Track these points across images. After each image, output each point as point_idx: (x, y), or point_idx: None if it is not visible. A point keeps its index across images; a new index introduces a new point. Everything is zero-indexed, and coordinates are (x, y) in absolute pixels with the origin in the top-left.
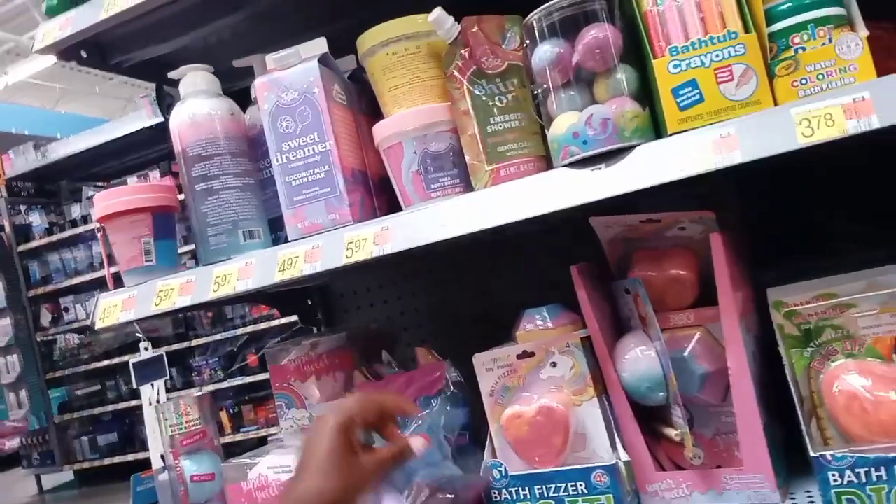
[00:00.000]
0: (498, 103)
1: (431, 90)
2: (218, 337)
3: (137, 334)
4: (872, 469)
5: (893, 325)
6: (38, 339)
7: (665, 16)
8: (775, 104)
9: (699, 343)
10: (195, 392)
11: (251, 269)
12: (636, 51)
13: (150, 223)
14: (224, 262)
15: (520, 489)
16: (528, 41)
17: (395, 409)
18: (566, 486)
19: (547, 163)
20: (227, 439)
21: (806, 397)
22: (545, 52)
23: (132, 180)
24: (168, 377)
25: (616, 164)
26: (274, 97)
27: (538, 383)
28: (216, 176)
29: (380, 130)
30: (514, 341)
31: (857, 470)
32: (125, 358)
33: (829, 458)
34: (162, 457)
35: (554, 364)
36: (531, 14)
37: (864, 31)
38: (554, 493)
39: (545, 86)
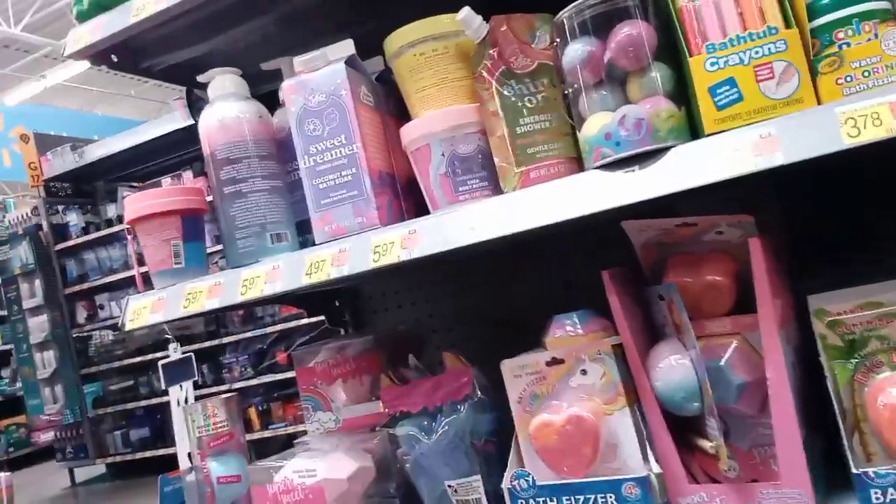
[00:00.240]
0: (527, 104)
1: (459, 91)
2: (248, 334)
3: (167, 335)
4: None
5: None
6: (74, 336)
7: (701, 12)
8: (819, 103)
9: (736, 352)
10: (223, 395)
11: (278, 272)
12: (671, 49)
13: (179, 226)
14: (252, 266)
15: (547, 500)
16: (558, 40)
17: None
18: (595, 498)
19: (578, 165)
20: (256, 436)
21: (849, 411)
22: (576, 50)
23: (166, 181)
24: (196, 378)
25: (650, 166)
26: (301, 100)
27: (568, 391)
28: (244, 179)
29: (407, 132)
30: (542, 347)
31: None
32: (158, 354)
33: (871, 475)
34: (189, 458)
35: (584, 372)
36: (562, 12)
37: None
38: None
39: (576, 85)
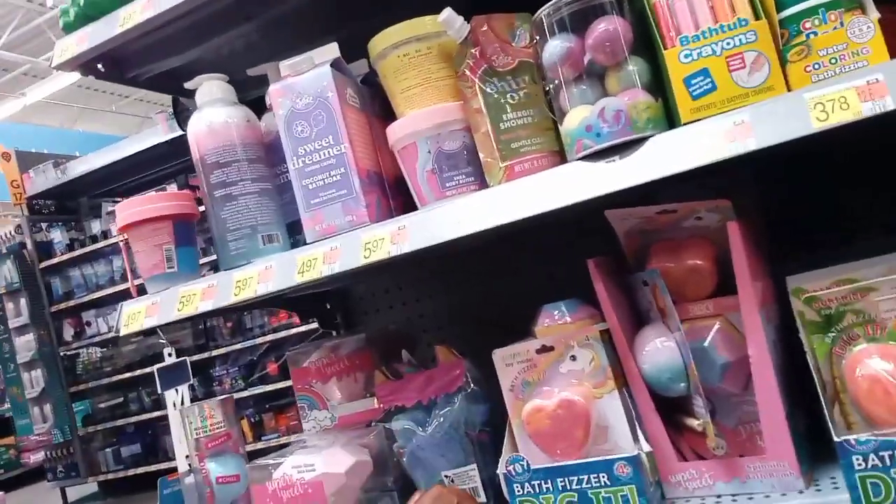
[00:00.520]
0: (510, 100)
1: (443, 90)
2: (238, 346)
3: (161, 340)
4: None
5: None
6: (62, 354)
7: (674, 6)
8: (788, 90)
9: (719, 333)
10: (219, 397)
11: (271, 272)
12: (646, 43)
13: (171, 231)
14: (244, 267)
15: (542, 483)
16: (537, 37)
17: None
18: (589, 479)
19: (561, 157)
20: (249, 448)
21: (828, 383)
22: (555, 47)
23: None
24: (192, 381)
25: (630, 155)
26: (289, 102)
27: (558, 377)
28: (234, 182)
29: (394, 131)
30: (533, 337)
31: (881, 454)
32: (147, 370)
33: (852, 442)
34: (187, 460)
35: (573, 358)
36: (540, 10)
37: (875, 14)
38: (577, 485)
39: (556, 81)
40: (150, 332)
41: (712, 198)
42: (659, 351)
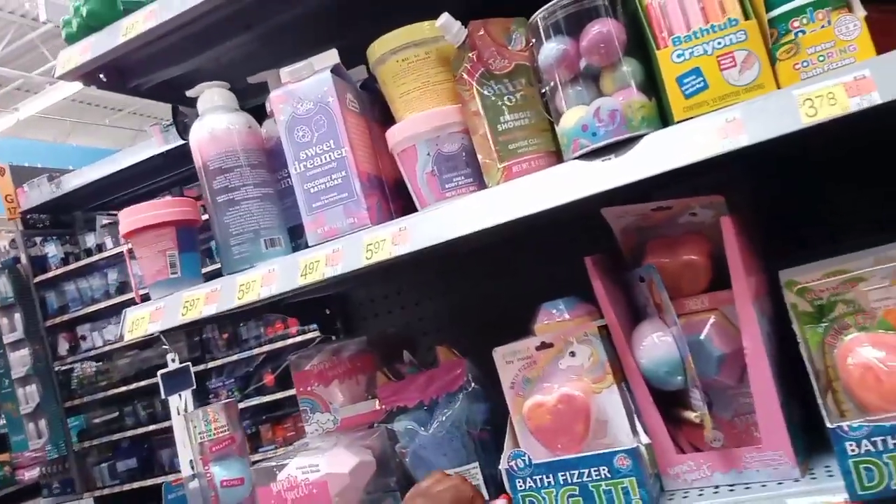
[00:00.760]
0: (507, 102)
1: (442, 93)
2: (234, 358)
3: (164, 346)
4: (889, 437)
5: None
6: (56, 369)
7: (666, 7)
8: (778, 87)
9: (714, 326)
10: (222, 401)
11: (274, 275)
12: (640, 43)
13: (174, 236)
14: (247, 270)
15: (544, 477)
16: (533, 40)
17: None
18: (589, 472)
19: (558, 158)
20: None
21: (821, 372)
22: (551, 49)
23: None
24: (194, 386)
25: (626, 153)
26: (290, 108)
27: (558, 373)
28: (237, 187)
29: (393, 134)
30: (532, 335)
31: (873, 439)
32: (143, 383)
33: (845, 428)
34: (191, 465)
35: (573, 354)
36: (536, 13)
37: (861, 12)
38: (578, 478)
39: (552, 83)
40: (145, 345)
41: (706, 194)
42: (656, 345)
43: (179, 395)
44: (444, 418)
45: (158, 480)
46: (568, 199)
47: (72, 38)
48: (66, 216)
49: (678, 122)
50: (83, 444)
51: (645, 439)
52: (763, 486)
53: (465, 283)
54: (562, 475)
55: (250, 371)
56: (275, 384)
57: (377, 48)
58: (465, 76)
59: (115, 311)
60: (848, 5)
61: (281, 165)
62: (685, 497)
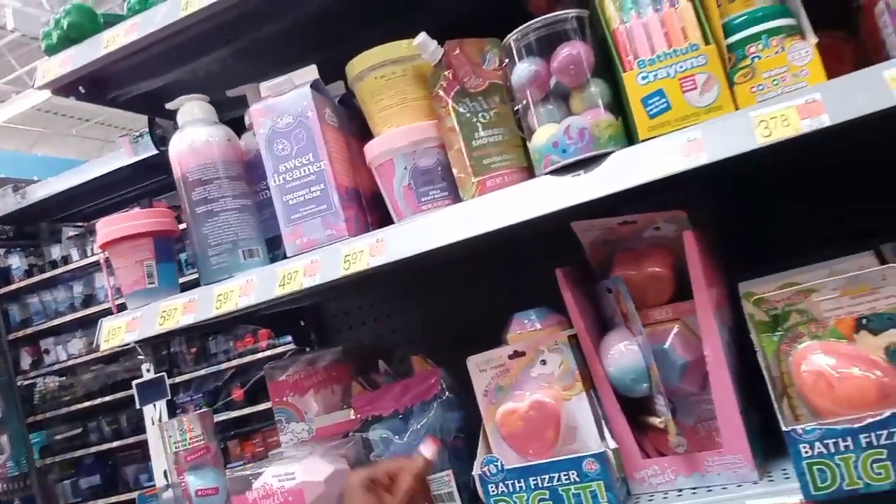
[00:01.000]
0: (481, 119)
1: (418, 110)
2: (202, 372)
3: (139, 356)
4: (840, 440)
5: (853, 306)
6: (19, 383)
7: (632, 32)
8: (736, 109)
9: (678, 336)
10: (198, 411)
11: (252, 285)
12: (607, 66)
13: (152, 247)
14: (225, 281)
15: (515, 482)
16: (507, 60)
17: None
18: (559, 476)
19: (530, 173)
20: None
21: (777, 378)
22: (523, 69)
23: None
24: (168, 397)
25: (594, 169)
26: (269, 122)
27: (529, 381)
28: (216, 199)
29: (371, 148)
30: (505, 344)
31: (826, 441)
32: (108, 398)
33: (799, 431)
34: (165, 475)
35: (544, 362)
36: (509, 35)
37: (813, 39)
38: (548, 483)
39: (525, 101)
40: (110, 360)
41: (670, 210)
42: (623, 354)
43: (154, 406)
44: (418, 426)
45: (122, 498)
46: (539, 213)
47: (52, 50)
48: (31, 227)
49: (643, 141)
50: (45, 461)
51: (612, 444)
52: (724, 488)
53: (438, 296)
54: (533, 480)
55: (219, 385)
56: (244, 399)
57: (356, 65)
58: (441, 93)
59: (80, 325)
60: (801, 32)
61: (259, 178)
62: (650, 500)
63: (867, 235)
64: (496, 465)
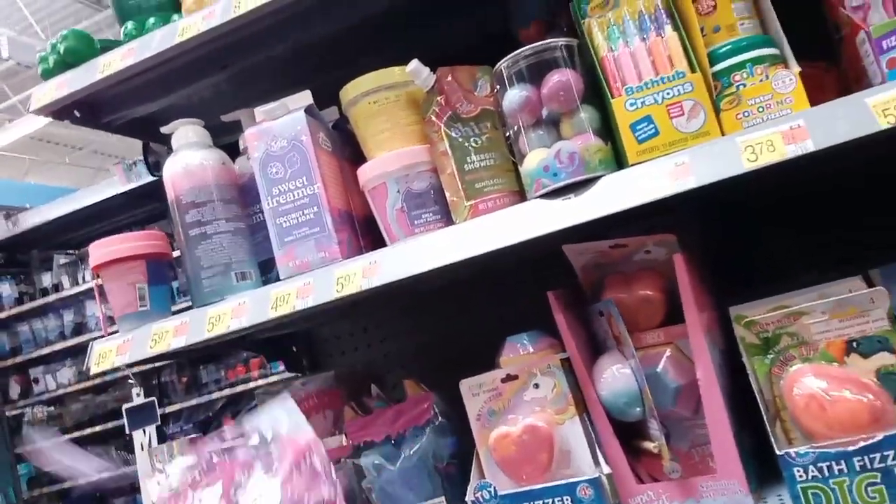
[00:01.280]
0: (473, 144)
1: (411, 134)
2: (193, 402)
3: (129, 381)
4: (833, 463)
5: (843, 329)
6: (7, 413)
7: (620, 60)
8: (722, 135)
9: (670, 359)
10: (188, 436)
11: (245, 307)
12: (596, 92)
13: (144, 270)
14: (218, 303)
15: None
16: (498, 87)
17: None
18: (553, 501)
19: (521, 197)
20: None
21: (770, 401)
22: (514, 96)
23: None
24: (158, 422)
25: (584, 193)
26: (264, 146)
27: (522, 405)
28: (209, 221)
29: (365, 172)
30: (498, 368)
31: (819, 465)
32: (97, 429)
33: (793, 455)
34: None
35: (536, 385)
36: (500, 62)
37: (796, 68)
38: None
39: (516, 126)
40: (99, 390)
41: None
42: (616, 377)
43: (144, 430)
44: (411, 452)
45: None
46: (531, 236)
47: (48, 74)
48: (23, 255)
49: (632, 165)
50: (33, 493)
51: (606, 469)
52: None
53: (430, 321)
54: None
55: (210, 416)
56: None
57: (350, 90)
58: (433, 118)
59: (70, 353)
60: (784, 61)
61: (253, 201)
62: None
63: (851, 260)
64: (489, 491)
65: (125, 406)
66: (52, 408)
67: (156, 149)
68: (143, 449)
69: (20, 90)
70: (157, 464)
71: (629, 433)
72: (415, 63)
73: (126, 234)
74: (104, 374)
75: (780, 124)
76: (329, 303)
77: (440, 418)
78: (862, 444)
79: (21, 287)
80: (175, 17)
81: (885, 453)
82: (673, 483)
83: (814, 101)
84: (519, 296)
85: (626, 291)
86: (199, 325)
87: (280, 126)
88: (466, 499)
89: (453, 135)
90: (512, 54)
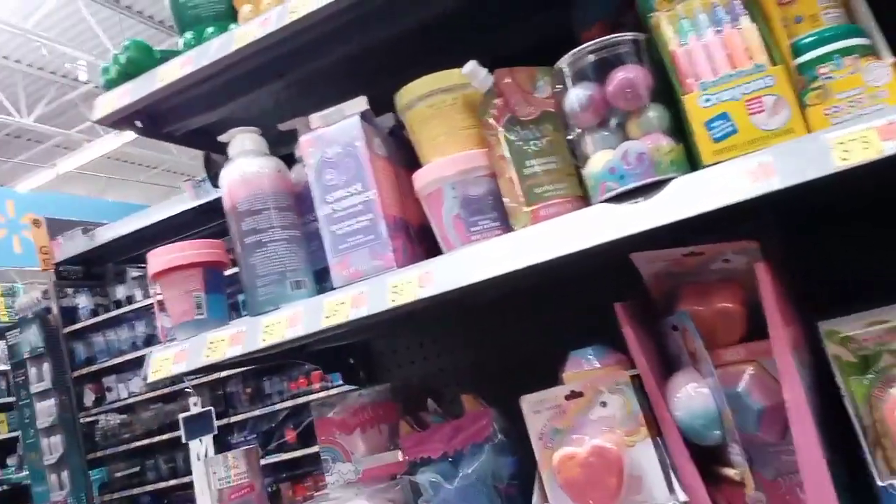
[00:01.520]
0: (533, 147)
1: (468, 138)
2: (256, 413)
3: (187, 389)
4: None
5: None
6: (81, 420)
7: (692, 54)
8: (809, 132)
9: (753, 378)
10: (243, 447)
11: (299, 316)
12: (665, 89)
13: (201, 278)
14: (272, 312)
15: None
16: (559, 86)
17: None
18: None
19: (584, 202)
20: None
21: (868, 427)
22: (577, 95)
23: None
24: (216, 432)
25: (654, 196)
26: (318, 152)
27: (588, 424)
28: (265, 229)
29: (420, 177)
30: (561, 384)
31: None
32: (165, 437)
33: None
34: None
35: (604, 404)
36: (561, 59)
37: (890, 59)
38: None
39: (579, 127)
40: (168, 399)
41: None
42: (692, 397)
43: (200, 441)
44: (469, 471)
45: None
46: (596, 242)
47: (111, 84)
48: (99, 268)
49: (707, 166)
50: (104, 498)
51: (683, 497)
52: None
53: (489, 332)
54: None
55: (272, 427)
56: (296, 441)
57: (406, 93)
58: (491, 121)
59: (141, 363)
60: (875, 52)
61: (308, 209)
62: None
63: None
64: None
65: (181, 415)
66: (123, 416)
67: (217, 160)
68: (198, 459)
69: None
70: (213, 474)
71: (707, 458)
72: (472, 64)
73: (182, 242)
74: (173, 382)
75: (876, 119)
76: (383, 312)
77: (500, 436)
78: None
79: (97, 299)
80: (233, 26)
81: None
82: None
83: None
84: (582, 308)
85: (703, 304)
86: (253, 335)
87: (334, 132)
88: None
89: (512, 138)
90: (574, 50)
